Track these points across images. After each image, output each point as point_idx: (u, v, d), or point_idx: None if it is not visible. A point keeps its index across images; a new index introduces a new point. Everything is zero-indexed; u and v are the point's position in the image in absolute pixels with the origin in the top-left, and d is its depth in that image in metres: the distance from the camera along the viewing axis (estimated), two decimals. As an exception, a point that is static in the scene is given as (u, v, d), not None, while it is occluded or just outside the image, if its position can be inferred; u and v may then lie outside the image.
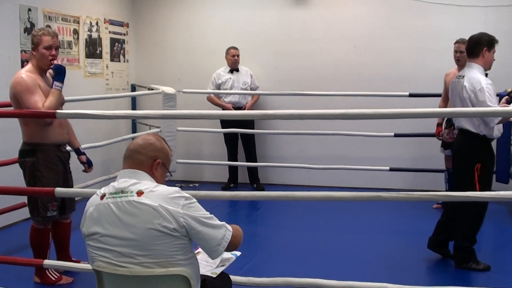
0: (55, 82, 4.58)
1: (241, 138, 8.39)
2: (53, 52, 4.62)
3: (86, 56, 7.81)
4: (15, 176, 5.41)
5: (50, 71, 4.67)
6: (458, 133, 5.20)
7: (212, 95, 8.33)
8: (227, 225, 2.74)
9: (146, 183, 2.62)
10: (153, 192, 2.56)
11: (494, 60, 4.98)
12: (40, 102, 4.46)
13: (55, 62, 4.69)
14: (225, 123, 8.19)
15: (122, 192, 2.58)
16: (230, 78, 8.26)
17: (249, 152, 8.41)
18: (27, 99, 4.44)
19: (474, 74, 4.86)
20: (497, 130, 4.89)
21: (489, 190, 4.77)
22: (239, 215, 7.23)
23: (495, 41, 4.94)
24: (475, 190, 4.73)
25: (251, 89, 8.33)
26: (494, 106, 4.66)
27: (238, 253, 3.29)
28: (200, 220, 2.58)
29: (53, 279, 4.76)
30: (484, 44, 4.91)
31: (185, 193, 2.62)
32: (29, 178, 4.65)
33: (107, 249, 2.55)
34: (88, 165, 5.12)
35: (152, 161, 2.73)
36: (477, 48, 4.94)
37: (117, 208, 2.55)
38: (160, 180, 2.76)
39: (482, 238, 5.77)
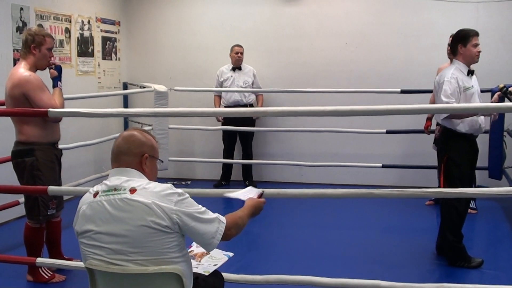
0: (58, 82, 4.73)
1: (239, 136, 8.38)
2: (51, 53, 4.72)
3: (78, 54, 7.79)
4: (4, 175, 5.41)
5: (52, 70, 4.75)
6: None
7: (215, 95, 8.31)
8: (221, 217, 2.73)
9: (139, 180, 2.61)
10: (146, 189, 2.56)
11: (480, 51, 4.95)
12: (52, 99, 4.53)
13: (57, 62, 4.83)
14: (226, 120, 8.17)
15: (115, 189, 2.58)
16: (231, 76, 8.22)
17: (246, 149, 8.39)
18: (40, 97, 4.45)
19: (449, 69, 4.96)
20: (468, 126, 4.91)
21: (461, 184, 4.75)
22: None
23: (470, 33, 4.92)
24: (440, 182, 4.92)
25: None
26: (450, 100, 4.73)
27: (231, 254, 3.29)
28: (193, 215, 2.58)
29: (46, 277, 4.76)
30: (458, 41, 4.97)
31: (178, 189, 2.61)
32: (27, 178, 4.60)
33: (100, 247, 2.55)
34: None
35: (140, 157, 2.71)
36: (454, 46, 5.05)
37: (110, 206, 2.54)
38: (151, 174, 2.76)
39: (475, 234, 5.80)
